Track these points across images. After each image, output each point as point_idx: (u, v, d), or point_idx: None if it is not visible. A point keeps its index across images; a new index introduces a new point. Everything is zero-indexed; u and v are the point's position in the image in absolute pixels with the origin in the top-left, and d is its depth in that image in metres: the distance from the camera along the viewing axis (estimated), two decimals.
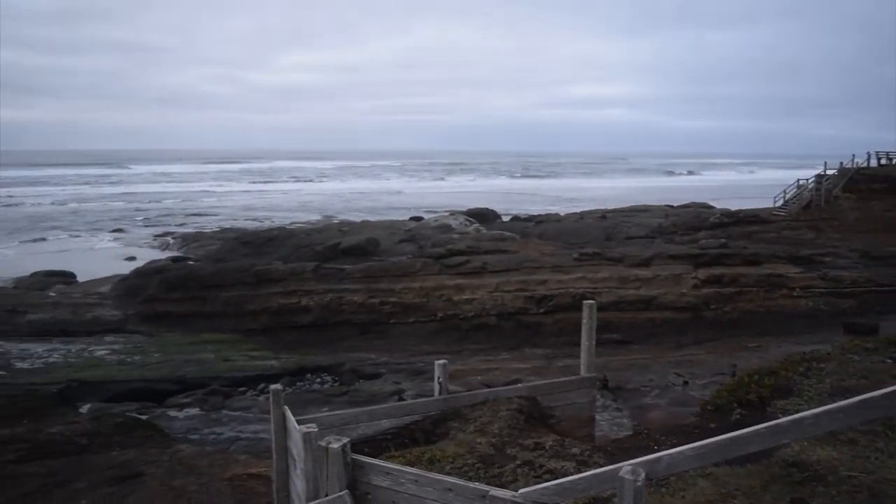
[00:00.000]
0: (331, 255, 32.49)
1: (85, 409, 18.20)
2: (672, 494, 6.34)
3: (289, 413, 7.25)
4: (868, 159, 42.81)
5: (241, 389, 19.91)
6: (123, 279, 29.54)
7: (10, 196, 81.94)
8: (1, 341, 23.19)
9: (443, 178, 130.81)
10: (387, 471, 5.69)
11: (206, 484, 10.47)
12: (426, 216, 51.80)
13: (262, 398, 18.64)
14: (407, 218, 51.87)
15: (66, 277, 33.65)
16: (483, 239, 33.83)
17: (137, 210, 70.20)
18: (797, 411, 6.61)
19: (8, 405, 16.97)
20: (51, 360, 21.65)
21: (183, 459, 11.76)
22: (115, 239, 51.27)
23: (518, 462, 7.33)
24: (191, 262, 34.85)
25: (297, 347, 23.41)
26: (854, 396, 4.28)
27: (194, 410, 18.18)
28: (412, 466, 6.33)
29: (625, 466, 4.25)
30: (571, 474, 5.78)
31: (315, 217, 62.80)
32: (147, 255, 41.88)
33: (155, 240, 49.43)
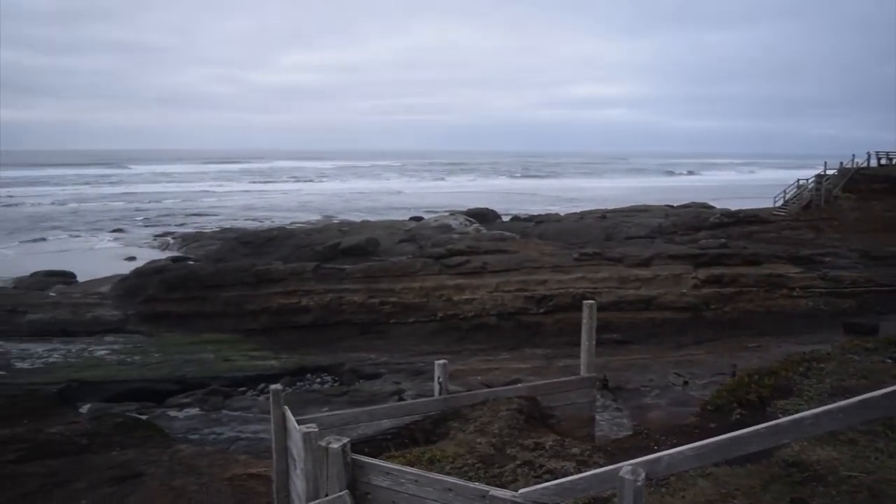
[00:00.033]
0: (331, 255, 32.49)
1: (85, 409, 18.20)
2: (672, 494, 6.34)
3: (289, 413, 7.25)
4: (868, 159, 42.82)
5: (241, 389, 19.91)
6: (123, 279, 29.54)
7: (11, 196, 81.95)
8: (1, 341, 23.19)
9: (443, 178, 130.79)
10: (387, 471, 5.69)
11: (206, 484, 10.47)
12: (426, 216, 51.81)
13: (262, 398, 18.64)
14: (407, 218, 51.87)
15: (66, 277, 33.66)
16: (483, 239, 33.83)
17: (137, 210, 70.21)
18: (797, 411, 6.61)
19: (8, 405, 16.98)
20: (51, 360, 21.65)
21: (183, 459, 11.76)
22: (115, 239, 51.28)
23: (518, 462, 7.33)
24: (191, 262, 34.86)
25: (297, 347, 23.41)
26: (854, 396, 4.28)
27: (194, 410, 18.19)
28: (412, 466, 6.33)
29: (625, 466, 4.25)
30: (571, 474, 5.78)
31: (315, 217, 62.80)
32: (147, 255, 41.88)
33: (155, 240, 49.44)
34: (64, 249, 46.16)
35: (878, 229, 33.23)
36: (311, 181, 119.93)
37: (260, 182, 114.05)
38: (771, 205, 40.37)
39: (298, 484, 6.58)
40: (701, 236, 33.72)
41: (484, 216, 48.84)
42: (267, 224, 56.02)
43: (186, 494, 10.14)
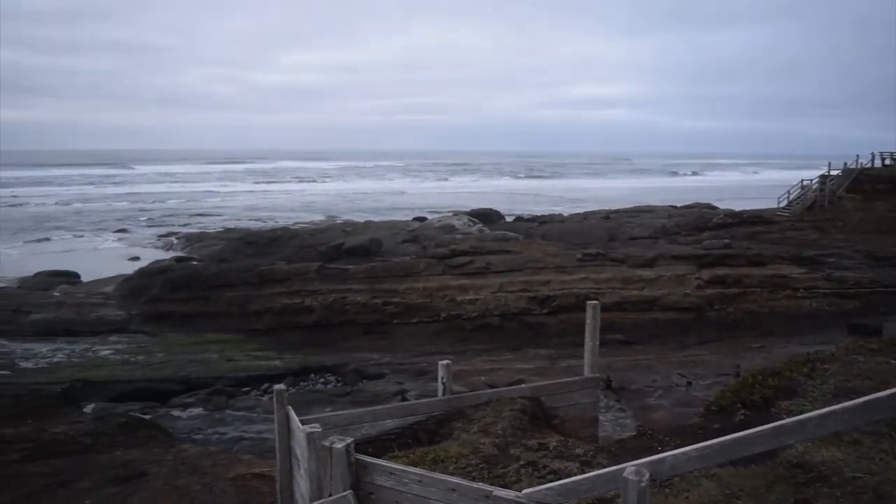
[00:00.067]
0: (334, 256, 32.51)
1: (89, 408, 18.25)
2: (676, 495, 6.33)
3: (292, 413, 7.25)
4: (872, 160, 42.71)
5: (244, 389, 19.94)
6: (127, 279, 29.59)
7: (15, 196, 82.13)
8: (5, 341, 23.26)
9: (446, 179, 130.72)
10: (390, 471, 5.69)
11: (209, 484, 10.48)
12: (429, 216, 51.80)
13: (265, 398, 18.68)
14: (410, 218, 51.90)
15: (70, 277, 33.73)
16: (486, 239, 33.82)
17: (141, 210, 70.32)
18: (801, 412, 6.60)
19: (12, 405, 17.04)
20: (55, 359, 21.70)
21: (186, 459, 11.77)
22: (119, 239, 51.37)
23: (522, 462, 7.32)
24: (194, 263, 34.88)
25: (300, 347, 23.43)
26: (858, 397, 4.28)
27: (198, 410, 18.22)
28: (416, 467, 6.33)
29: (629, 467, 4.24)
30: (575, 475, 5.77)
31: (318, 217, 62.84)
32: (151, 255, 41.94)
33: (159, 240, 49.50)
34: (68, 249, 46.26)
35: (882, 230, 33.17)
36: (314, 181, 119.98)
37: (263, 182, 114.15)
38: (775, 205, 40.32)
39: (302, 484, 6.59)
40: (704, 237, 33.69)
41: (487, 216, 48.82)
42: (270, 224, 56.08)
43: (190, 494, 10.15)
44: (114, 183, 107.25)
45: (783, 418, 5.90)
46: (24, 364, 21.13)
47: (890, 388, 4.18)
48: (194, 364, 21.44)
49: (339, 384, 20.47)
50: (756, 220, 36.41)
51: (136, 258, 40.18)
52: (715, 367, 19.54)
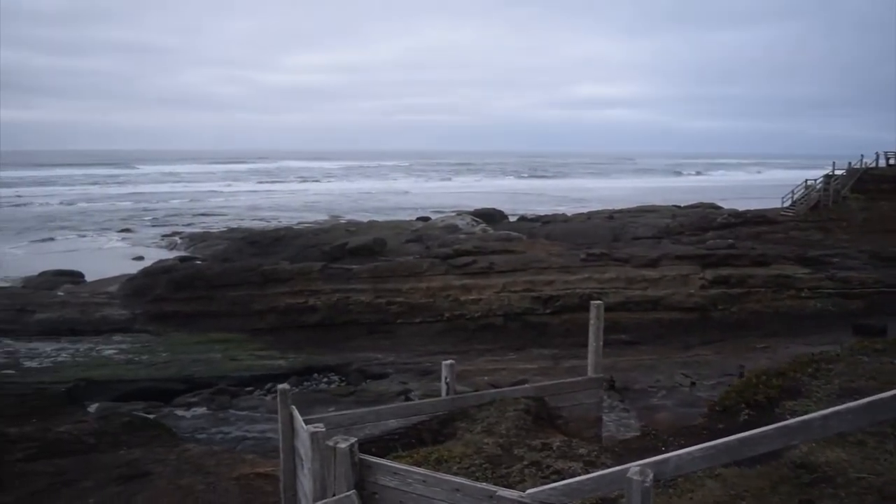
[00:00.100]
0: (338, 255, 32.53)
1: (93, 408, 18.29)
2: (680, 496, 6.32)
3: (296, 413, 7.26)
4: (876, 159, 42.62)
5: (248, 389, 19.96)
6: (131, 279, 29.64)
7: (19, 196, 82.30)
8: (10, 340, 23.32)
9: (449, 179, 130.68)
10: (394, 471, 5.69)
11: (213, 483, 10.49)
12: (433, 216, 51.81)
13: (269, 398, 18.70)
14: (414, 218, 51.89)
15: (75, 277, 33.80)
16: (490, 239, 33.81)
17: (145, 210, 70.42)
18: (806, 412, 6.58)
19: (17, 404, 17.09)
20: (59, 359, 21.75)
21: (190, 458, 11.79)
22: (123, 239, 51.45)
23: (525, 462, 7.32)
24: (198, 262, 34.93)
25: (304, 347, 23.45)
26: (863, 398, 4.27)
27: (201, 410, 18.26)
28: (419, 467, 6.33)
29: (633, 467, 4.23)
30: (579, 475, 5.77)
31: (322, 217, 62.86)
32: (155, 254, 42.01)
33: (162, 239, 49.58)
34: (72, 249, 46.34)
35: (886, 230, 33.09)
36: (317, 181, 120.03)
37: (267, 182, 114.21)
38: (779, 205, 40.25)
39: (306, 483, 6.59)
40: (708, 237, 33.64)
41: (491, 216, 48.79)
42: (274, 224, 56.13)
43: (194, 493, 10.17)
44: (117, 183, 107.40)
45: (787, 419, 5.89)
46: (28, 363, 21.18)
47: (894, 388, 4.17)
48: (198, 363, 21.47)
49: (343, 384, 20.48)
50: (760, 220, 36.36)
51: (139, 258, 40.24)
52: (719, 367, 19.53)
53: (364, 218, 56.44)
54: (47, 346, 22.83)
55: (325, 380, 20.85)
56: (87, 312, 25.96)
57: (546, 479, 6.71)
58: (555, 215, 49.35)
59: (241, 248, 38.35)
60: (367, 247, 33.66)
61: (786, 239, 32.92)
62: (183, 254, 41.22)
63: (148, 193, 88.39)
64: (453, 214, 47.36)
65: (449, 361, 9.04)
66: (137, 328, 25.28)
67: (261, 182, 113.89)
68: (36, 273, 34.39)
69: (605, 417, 11.07)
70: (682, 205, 50.39)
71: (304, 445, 6.56)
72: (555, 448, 7.72)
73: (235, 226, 54.85)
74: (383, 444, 7.99)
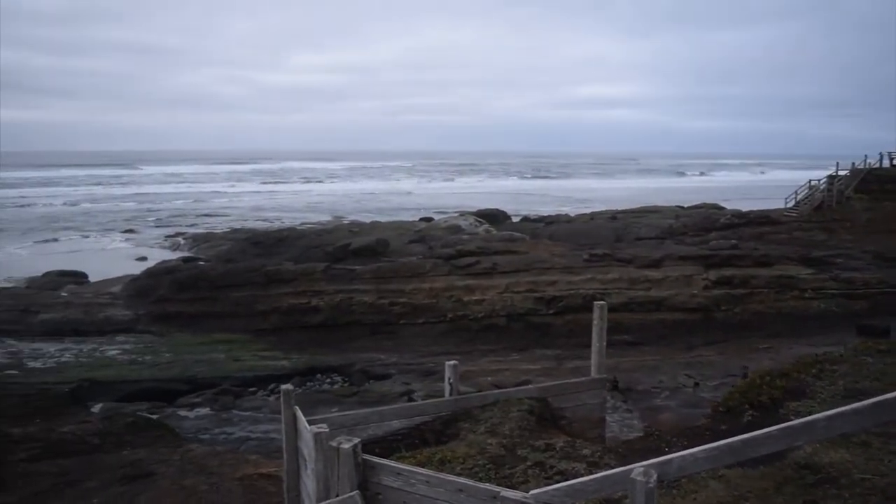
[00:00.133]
0: (341, 256, 32.55)
1: (96, 408, 18.32)
2: (683, 496, 6.32)
3: (299, 413, 7.26)
4: (880, 159, 42.51)
5: (251, 389, 19.98)
6: (135, 279, 29.69)
7: (23, 196, 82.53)
8: (13, 341, 23.37)
9: (452, 179, 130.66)
10: (398, 471, 5.69)
11: (216, 483, 10.50)
12: (436, 217, 51.81)
13: (272, 398, 18.71)
14: (417, 219, 51.92)
15: (78, 277, 33.86)
16: (493, 240, 33.79)
17: (149, 210, 70.55)
18: (810, 413, 6.58)
19: (20, 404, 17.11)
20: (63, 359, 21.79)
21: (194, 459, 11.80)
22: (127, 239, 51.56)
23: (529, 463, 7.32)
24: (201, 263, 34.98)
25: (307, 348, 23.46)
26: (867, 398, 4.26)
27: (205, 410, 18.27)
28: (423, 467, 6.33)
29: (636, 468, 4.23)
30: (582, 476, 5.77)
31: (325, 218, 62.90)
32: (158, 255, 42.10)
33: (166, 240, 49.66)
34: (76, 250, 46.43)
35: (890, 230, 32.99)
36: (321, 182, 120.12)
37: (270, 183, 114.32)
38: (782, 205, 40.18)
39: (309, 484, 6.59)
40: (711, 237, 33.57)
41: (494, 217, 48.78)
42: (277, 225, 56.19)
43: (197, 494, 10.17)
44: (121, 183, 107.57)
45: (791, 419, 5.88)
46: (32, 364, 21.23)
47: None
48: (201, 364, 21.49)
49: (346, 384, 20.49)
50: (763, 221, 36.28)
51: (143, 258, 40.33)
52: (722, 367, 19.49)
53: (367, 219, 56.47)
54: (51, 347, 22.87)
55: (329, 380, 20.86)
56: (91, 313, 26.01)
57: (549, 480, 6.71)
58: (558, 216, 49.35)
59: (244, 249, 38.39)
60: (370, 247, 33.67)
61: (789, 239, 32.84)
62: (186, 254, 41.30)
63: (151, 194, 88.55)
64: (456, 215, 47.34)
65: (452, 362, 9.05)
66: (141, 329, 25.33)
67: (264, 183, 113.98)
68: (40, 273, 34.48)
69: (608, 418, 11.07)
70: (686, 205, 50.35)
71: (307, 446, 6.57)
72: (558, 449, 7.72)
73: (239, 226, 54.93)
74: (387, 445, 8.00)
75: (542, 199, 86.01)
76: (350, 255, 32.94)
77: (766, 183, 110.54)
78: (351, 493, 5.66)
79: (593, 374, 9.81)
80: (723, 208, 47.28)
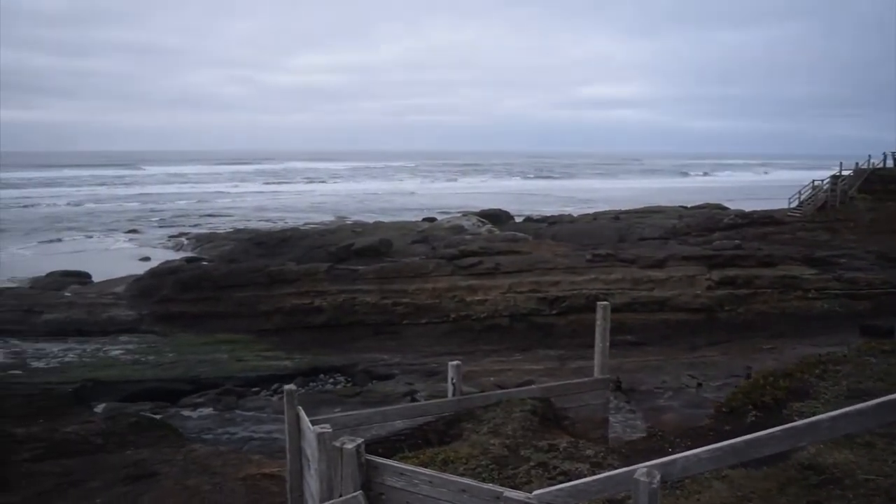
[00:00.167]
0: (344, 256, 32.57)
1: (100, 408, 18.35)
2: (687, 497, 6.31)
3: (303, 413, 7.27)
4: (884, 159, 42.42)
5: (254, 389, 20.00)
6: (138, 279, 29.73)
7: (27, 197, 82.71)
8: (17, 341, 23.41)
9: (455, 179, 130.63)
10: (401, 471, 5.69)
11: (219, 483, 10.52)
12: (439, 217, 51.83)
13: (275, 398, 18.73)
14: (420, 219, 51.93)
15: (82, 277, 33.92)
16: (496, 240, 33.80)
17: (152, 211, 70.65)
18: (813, 414, 6.57)
19: (24, 404, 17.15)
20: (66, 359, 21.83)
21: (197, 459, 11.82)
22: (130, 239, 51.65)
23: (532, 463, 7.31)
24: (205, 263, 35.02)
25: (310, 348, 23.48)
26: (871, 399, 4.25)
27: (208, 410, 18.29)
28: (426, 467, 6.33)
29: (639, 468, 4.23)
30: (585, 476, 5.76)
31: (328, 218, 62.95)
32: (161, 255, 42.15)
33: (169, 240, 49.72)
34: (79, 250, 46.52)
35: (894, 230, 32.93)
36: (324, 182, 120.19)
37: (273, 183, 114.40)
38: (785, 206, 40.14)
39: (312, 484, 6.60)
40: (715, 237, 33.54)
41: (497, 217, 48.79)
42: (280, 225, 56.25)
43: (200, 494, 10.19)
44: (125, 184, 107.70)
45: (795, 420, 5.87)
46: (35, 364, 21.26)
47: None
48: (204, 364, 21.52)
49: (349, 384, 20.51)
50: (767, 221, 36.24)
51: (146, 258, 40.38)
52: (725, 368, 19.47)
53: (370, 219, 56.52)
54: (54, 347, 22.91)
55: (332, 380, 20.88)
56: (94, 313, 26.05)
57: (553, 481, 6.70)
58: (561, 216, 49.32)
59: (247, 249, 38.43)
60: (373, 248, 33.70)
61: (793, 240, 32.79)
62: (189, 254, 41.34)
63: (155, 194, 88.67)
64: (459, 215, 47.35)
65: (455, 362, 9.04)
66: (144, 329, 25.36)
67: (267, 183, 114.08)
68: (43, 274, 34.54)
69: (611, 418, 11.06)
70: (689, 205, 50.31)
71: (310, 446, 6.57)
72: (561, 449, 7.71)
73: (242, 227, 54.99)
74: (390, 445, 7.99)
75: (545, 199, 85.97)
76: (353, 255, 32.96)
77: (770, 183, 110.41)
78: (354, 494, 5.66)
79: (596, 374, 9.80)
80: (726, 208, 47.24)
